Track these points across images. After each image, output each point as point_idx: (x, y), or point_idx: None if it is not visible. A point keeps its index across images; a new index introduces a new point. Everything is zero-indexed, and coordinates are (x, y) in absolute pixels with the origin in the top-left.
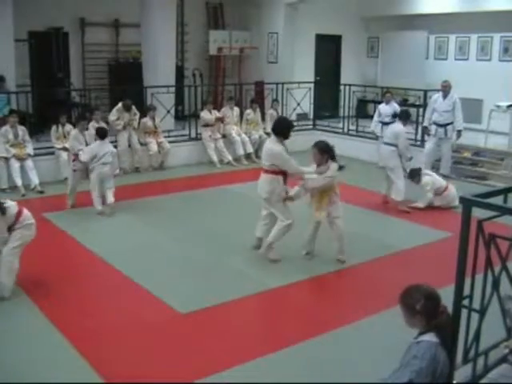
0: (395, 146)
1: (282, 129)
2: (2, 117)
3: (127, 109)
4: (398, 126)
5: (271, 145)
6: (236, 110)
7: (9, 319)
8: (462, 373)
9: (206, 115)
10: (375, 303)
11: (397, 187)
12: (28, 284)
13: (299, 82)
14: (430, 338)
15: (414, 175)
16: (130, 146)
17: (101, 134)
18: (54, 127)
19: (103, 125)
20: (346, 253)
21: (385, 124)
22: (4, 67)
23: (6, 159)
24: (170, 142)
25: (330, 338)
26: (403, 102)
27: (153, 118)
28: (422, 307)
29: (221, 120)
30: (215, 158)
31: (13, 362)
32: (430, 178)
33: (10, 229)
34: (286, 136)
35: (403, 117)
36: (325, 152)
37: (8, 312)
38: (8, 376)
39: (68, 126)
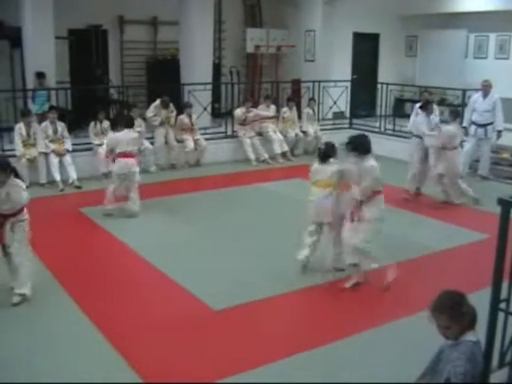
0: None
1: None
2: (41, 113)
3: (165, 106)
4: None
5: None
6: (272, 108)
7: (45, 312)
8: (498, 376)
9: (239, 112)
10: (406, 306)
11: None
12: (64, 277)
13: (336, 81)
14: (470, 337)
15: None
16: (166, 142)
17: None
18: (92, 123)
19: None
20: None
21: None
22: (44, 64)
23: (46, 154)
24: (206, 140)
25: (360, 340)
26: (441, 102)
27: (189, 115)
28: (459, 315)
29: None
30: (252, 156)
31: (46, 354)
32: None
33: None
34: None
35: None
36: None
37: (44, 305)
38: (42, 367)
39: (106, 123)
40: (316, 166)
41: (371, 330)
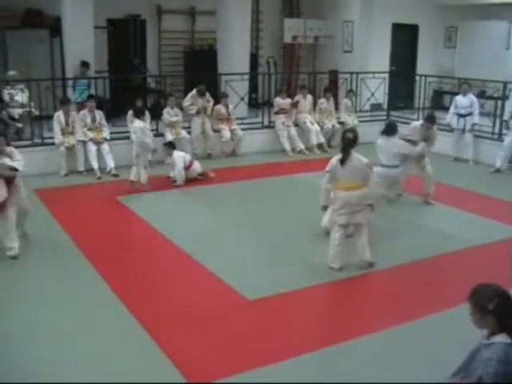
0: None
1: None
2: (81, 101)
3: (201, 95)
4: None
5: None
6: (309, 98)
7: (80, 298)
8: None
9: (280, 100)
10: (441, 300)
11: None
12: (99, 263)
13: (374, 72)
14: (503, 338)
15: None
16: (203, 132)
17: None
18: (130, 112)
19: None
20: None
21: (461, 116)
22: (84, 53)
23: (84, 143)
24: (242, 130)
25: (393, 334)
26: (481, 94)
27: (226, 105)
28: (495, 307)
29: (295, 106)
30: (288, 147)
31: (79, 336)
32: None
33: None
34: None
35: None
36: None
37: (80, 292)
38: (75, 350)
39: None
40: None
41: (404, 325)
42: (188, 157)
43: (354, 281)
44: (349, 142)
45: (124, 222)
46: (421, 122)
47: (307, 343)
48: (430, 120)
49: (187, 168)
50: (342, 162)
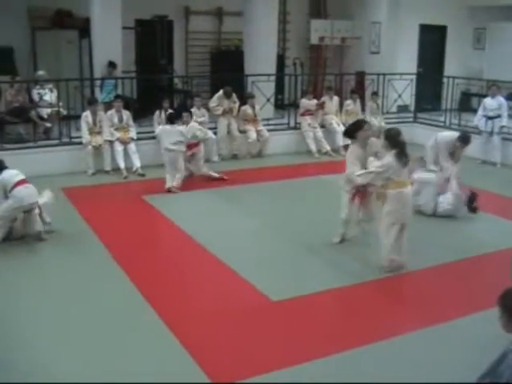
0: None
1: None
2: (108, 101)
3: (228, 96)
4: None
5: None
6: (335, 99)
7: (104, 295)
8: None
9: (306, 101)
10: (471, 303)
11: None
12: (123, 260)
13: (401, 74)
14: None
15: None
16: (229, 133)
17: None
18: (156, 112)
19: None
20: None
21: (489, 118)
22: (112, 54)
23: (111, 142)
24: (268, 131)
25: (417, 337)
26: (510, 96)
27: (252, 106)
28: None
29: (321, 107)
30: (313, 148)
31: (103, 334)
32: None
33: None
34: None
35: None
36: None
37: (105, 288)
38: (97, 348)
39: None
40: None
41: (432, 328)
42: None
43: (381, 282)
44: (404, 142)
45: (149, 221)
46: (453, 134)
47: (332, 345)
48: (465, 141)
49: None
50: (401, 160)
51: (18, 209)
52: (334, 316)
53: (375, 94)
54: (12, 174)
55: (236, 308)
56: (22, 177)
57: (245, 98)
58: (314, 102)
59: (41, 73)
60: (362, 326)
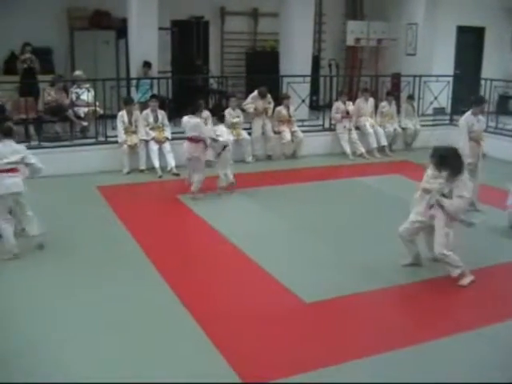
0: None
1: None
2: (144, 101)
3: (262, 96)
4: None
5: None
6: (371, 101)
7: (137, 294)
8: None
9: (341, 106)
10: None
11: None
12: (157, 259)
13: (437, 76)
14: None
15: None
16: (263, 133)
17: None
18: None
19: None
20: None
21: None
22: (148, 54)
23: (146, 142)
24: (303, 132)
25: (459, 340)
26: None
27: (287, 107)
28: None
29: (347, 115)
30: (348, 150)
31: (134, 331)
32: None
33: None
34: None
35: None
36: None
37: (137, 287)
38: (129, 348)
39: (205, 112)
40: None
41: (469, 333)
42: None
43: (417, 286)
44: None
45: (183, 220)
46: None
47: (364, 348)
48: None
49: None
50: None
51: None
52: (366, 319)
53: (411, 97)
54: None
55: (268, 309)
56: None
57: (280, 99)
58: (350, 106)
59: (78, 73)
60: (392, 329)
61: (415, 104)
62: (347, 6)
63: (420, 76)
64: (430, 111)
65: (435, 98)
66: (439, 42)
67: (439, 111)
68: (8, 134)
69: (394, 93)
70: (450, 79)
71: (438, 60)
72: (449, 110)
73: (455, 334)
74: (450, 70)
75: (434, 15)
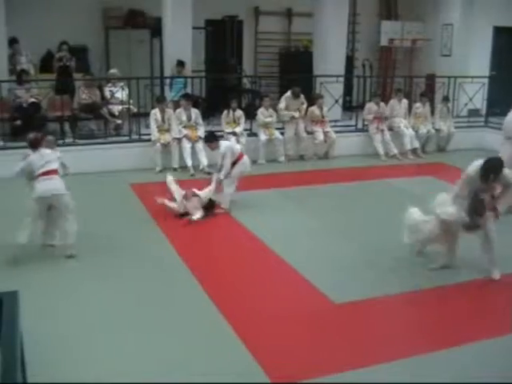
0: None
1: None
2: (177, 100)
3: (295, 96)
4: None
5: None
6: (404, 102)
7: (169, 292)
8: None
9: (373, 107)
10: None
11: None
12: (189, 259)
13: (473, 77)
14: None
15: None
16: (296, 133)
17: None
18: (225, 112)
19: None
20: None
21: None
22: (182, 53)
23: (179, 140)
24: (336, 132)
25: (483, 347)
26: None
27: (320, 107)
28: None
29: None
30: (381, 151)
31: (166, 331)
32: None
33: None
34: None
35: None
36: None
37: (171, 285)
38: (161, 347)
39: (238, 112)
40: None
41: (500, 338)
42: (238, 146)
43: (450, 289)
44: None
45: (213, 218)
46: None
47: (394, 351)
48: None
49: (236, 161)
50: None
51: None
52: (395, 321)
53: (446, 98)
54: (41, 161)
55: (297, 309)
56: (51, 167)
57: (313, 99)
58: (383, 107)
59: (113, 71)
60: (421, 333)
61: (449, 105)
62: (381, 7)
63: (455, 77)
64: (464, 113)
65: (470, 100)
66: (475, 43)
67: (474, 113)
68: (35, 145)
69: (428, 94)
70: (486, 80)
71: (473, 61)
72: (484, 112)
73: (492, 338)
74: (486, 72)
75: (470, 16)
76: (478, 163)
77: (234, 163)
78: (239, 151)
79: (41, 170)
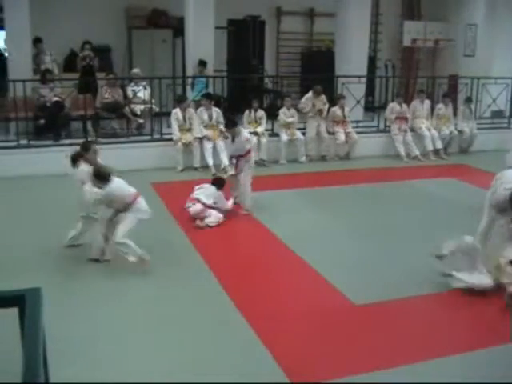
0: None
1: None
2: (199, 100)
3: (317, 94)
4: None
5: None
6: (427, 103)
7: (189, 290)
8: None
9: (396, 107)
10: None
11: None
12: (210, 259)
13: (497, 78)
14: None
15: None
16: (317, 134)
17: None
18: (246, 112)
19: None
20: None
21: None
22: (204, 53)
23: (200, 139)
24: (357, 133)
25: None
26: None
27: (342, 107)
28: None
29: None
30: (402, 152)
31: (183, 329)
32: None
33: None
34: None
35: None
36: None
37: (192, 285)
38: (189, 350)
39: (260, 112)
40: None
41: None
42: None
43: (475, 292)
44: None
45: (234, 218)
46: None
47: (414, 353)
48: None
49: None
50: None
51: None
52: (418, 324)
53: (469, 99)
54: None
55: (317, 310)
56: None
57: (335, 99)
58: (405, 108)
59: (135, 70)
60: (445, 336)
61: (472, 106)
62: (404, 6)
63: (478, 78)
64: (487, 114)
65: (493, 101)
66: (499, 44)
67: (497, 114)
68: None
69: (451, 95)
70: (510, 81)
71: (497, 62)
72: (507, 113)
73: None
74: (510, 72)
75: (494, 16)
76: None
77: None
78: None
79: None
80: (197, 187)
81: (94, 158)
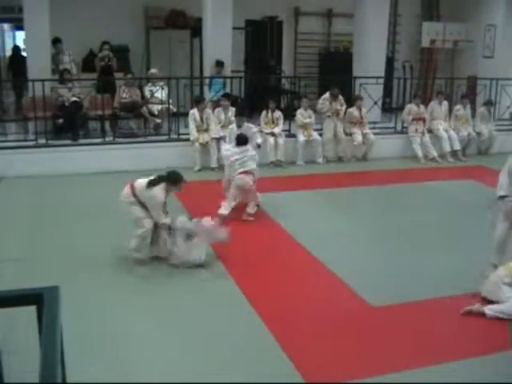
0: None
1: None
2: (216, 100)
3: (334, 97)
4: None
5: None
6: (445, 104)
7: (207, 290)
8: None
9: (414, 108)
10: None
11: None
12: (225, 256)
13: None
14: None
15: None
16: (334, 135)
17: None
18: (263, 112)
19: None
20: None
21: None
22: (222, 53)
23: (217, 140)
24: (374, 134)
25: None
26: None
27: (359, 108)
28: None
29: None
30: (420, 153)
31: (199, 331)
32: None
33: None
34: None
35: None
36: None
37: (209, 287)
38: (203, 348)
39: (277, 112)
40: None
41: None
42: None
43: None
44: None
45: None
46: None
47: (432, 356)
48: None
49: None
50: None
51: None
52: (435, 326)
53: (489, 102)
54: None
55: (334, 311)
56: None
57: (352, 100)
58: (423, 109)
59: (153, 71)
60: (464, 339)
61: (491, 109)
62: (423, 7)
63: (497, 79)
64: (506, 115)
65: None
66: None
67: None
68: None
69: (470, 96)
70: None
71: None
72: None
73: None
74: None
75: None
76: None
77: None
78: None
79: None
80: (231, 158)
81: None
